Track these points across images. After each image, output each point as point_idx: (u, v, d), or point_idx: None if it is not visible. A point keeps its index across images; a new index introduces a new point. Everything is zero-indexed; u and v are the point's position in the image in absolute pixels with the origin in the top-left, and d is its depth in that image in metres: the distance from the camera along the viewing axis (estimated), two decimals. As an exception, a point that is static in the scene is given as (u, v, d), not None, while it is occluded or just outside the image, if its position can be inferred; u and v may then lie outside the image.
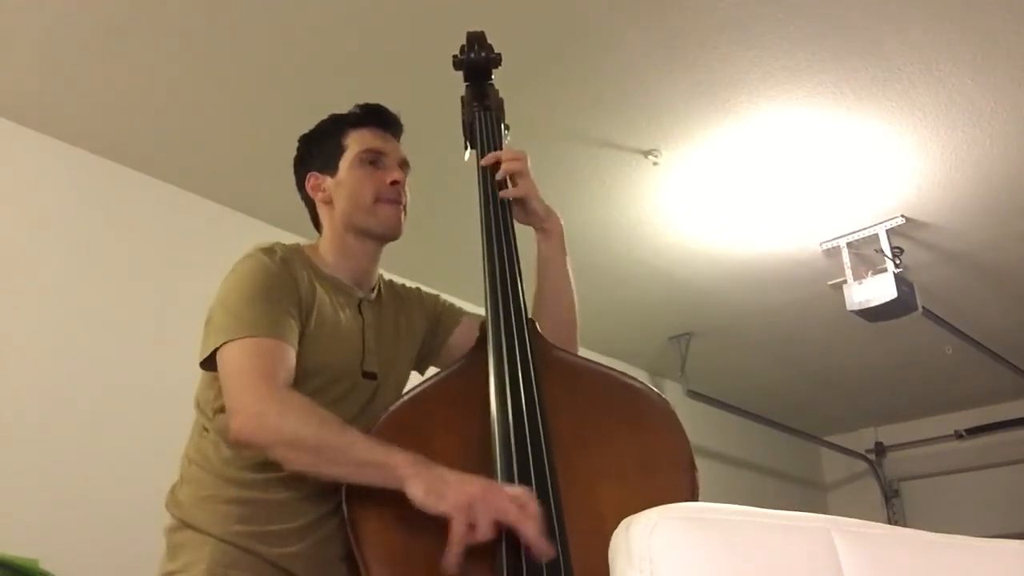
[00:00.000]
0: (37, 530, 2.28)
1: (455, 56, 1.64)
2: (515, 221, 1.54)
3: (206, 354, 1.37)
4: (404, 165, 1.60)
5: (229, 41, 2.41)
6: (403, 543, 1.22)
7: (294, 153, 1.64)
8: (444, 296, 1.71)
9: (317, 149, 1.59)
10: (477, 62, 1.63)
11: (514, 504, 1.14)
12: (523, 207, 1.56)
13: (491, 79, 1.67)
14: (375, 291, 1.58)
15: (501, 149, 1.60)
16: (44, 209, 2.68)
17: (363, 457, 1.24)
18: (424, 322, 1.64)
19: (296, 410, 1.29)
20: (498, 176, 1.54)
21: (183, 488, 1.41)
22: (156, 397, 2.59)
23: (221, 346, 1.34)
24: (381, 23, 2.37)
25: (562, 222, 1.60)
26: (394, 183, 1.54)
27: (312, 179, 1.58)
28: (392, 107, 1.64)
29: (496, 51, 1.64)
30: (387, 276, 1.66)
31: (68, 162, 2.76)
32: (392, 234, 1.55)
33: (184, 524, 1.37)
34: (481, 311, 1.47)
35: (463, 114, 1.68)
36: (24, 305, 2.55)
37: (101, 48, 2.40)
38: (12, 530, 2.18)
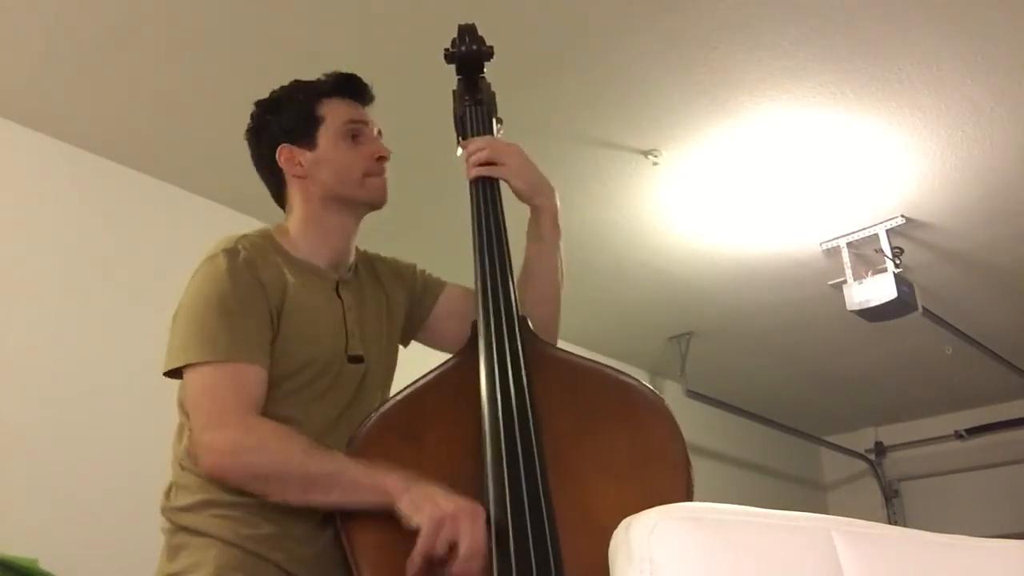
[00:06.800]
0: (37, 530, 2.28)
1: (446, 49, 1.61)
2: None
3: (169, 368, 1.36)
4: (380, 135, 1.57)
5: (229, 41, 2.41)
6: (394, 551, 1.20)
7: None
8: (420, 266, 1.67)
9: (287, 119, 1.52)
10: (468, 55, 1.61)
11: (474, 537, 1.15)
12: (510, 187, 1.53)
13: (483, 72, 1.64)
14: (352, 269, 1.54)
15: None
16: (44, 209, 2.68)
17: (357, 481, 1.22)
18: (404, 295, 1.60)
19: (274, 442, 1.26)
20: (471, 174, 1.51)
21: (179, 495, 1.36)
22: (156, 397, 2.56)
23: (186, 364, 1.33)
24: (379, 23, 2.37)
25: (557, 198, 1.55)
26: (381, 159, 1.52)
27: (285, 151, 1.50)
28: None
29: (488, 44, 1.62)
30: (361, 248, 1.60)
31: (68, 162, 2.76)
32: (380, 203, 1.53)
33: (184, 529, 1.33)
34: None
35: (454, 108, 1.64)
36: (23, 305, 2.55)
37: (101, 48, 2.39)
38: (12, 530, 2.18)
